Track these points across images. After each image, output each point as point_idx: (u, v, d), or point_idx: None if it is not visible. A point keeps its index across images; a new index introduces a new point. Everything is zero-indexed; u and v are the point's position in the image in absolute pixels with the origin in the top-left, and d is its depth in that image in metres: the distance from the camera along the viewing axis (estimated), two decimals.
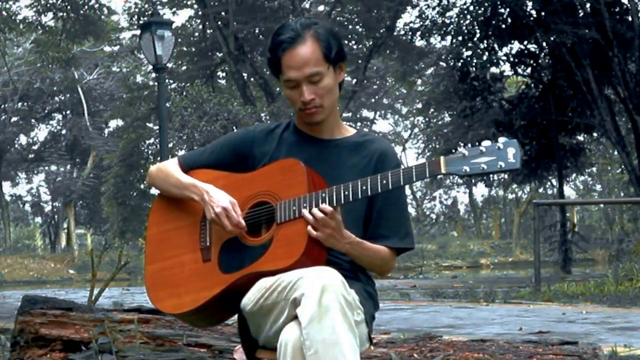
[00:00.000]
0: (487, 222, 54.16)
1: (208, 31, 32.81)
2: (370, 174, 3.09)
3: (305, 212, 3.03)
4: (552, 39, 21.72)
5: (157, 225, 3.44)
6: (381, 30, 30.81)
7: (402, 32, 30.09)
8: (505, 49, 24.01)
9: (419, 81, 40.15)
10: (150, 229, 3.45)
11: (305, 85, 3.19)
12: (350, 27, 33.02)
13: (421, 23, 25.47)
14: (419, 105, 41.41)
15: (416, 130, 51.21)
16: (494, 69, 24.89)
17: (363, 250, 3.17)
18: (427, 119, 41.70)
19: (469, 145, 2.96)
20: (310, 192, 3.08)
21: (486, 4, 22.36)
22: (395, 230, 3.27)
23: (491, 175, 28.08)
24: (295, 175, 3.14)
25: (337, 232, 3.05)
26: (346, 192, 3.03)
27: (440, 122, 38.65)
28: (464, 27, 23.47)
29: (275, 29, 3.30)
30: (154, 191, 3.56)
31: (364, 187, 3.01)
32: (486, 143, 2.88)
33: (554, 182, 33.65)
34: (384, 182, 2.98)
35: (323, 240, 3.05)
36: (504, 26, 22.66)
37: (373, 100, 47.98)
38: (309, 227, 3.03)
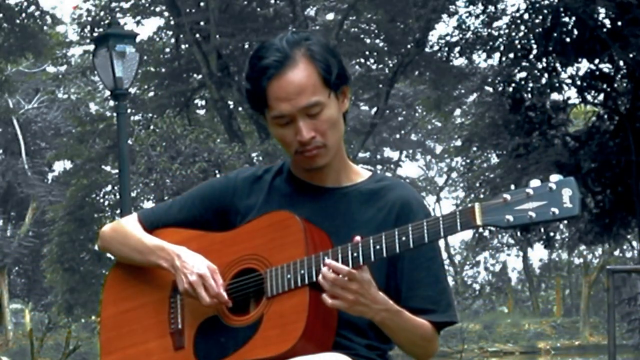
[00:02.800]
0: (547, 294, 54.00)
1: (183, 46, 32.97)
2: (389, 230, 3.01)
3: (320, 276, 2.95)
4: (631, 56, 21.78)
5: (115, 304, 3.43)
6: (408, 46, 30.93)
7: (436, 48, 30.21)
8: (571, 70, 24.07)
9: (458, 111, 40.27)
10: (106, 309, 3.45)
11: (301, 120, 3.13)
12: (368, 41, 33.19)
13: (461, 36, 25.58)
14: (458, 143, 41.39)
15: (454, 175, 51.27)
16: (555, 96, 24.93)
17: (402, 321, 3.10)
18: (468, 161, 41.68)
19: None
20: (309, 254, 3.05)
21: (545, 11, 22.43)
22: (435, 302, 3.20)
23: (546, 230, 27.77)
24: (288, 233, 3.11)
25: (365, 297, 2.97)
26: (355, 254, 2.97)
27: (485, 165, 38.63)
28: (517, 41, 23.54)
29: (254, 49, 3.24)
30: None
31: (378, 247, 2.96)
32: (534, 183, 2.82)
33: (634, 243, 33.61)
34: (403, 239, 2.93)
35: (346, 309, 2.98)
36: (568, 40, 22.73)
37: (398, 136, 48.11)
38: (325, 295, 2.96)
